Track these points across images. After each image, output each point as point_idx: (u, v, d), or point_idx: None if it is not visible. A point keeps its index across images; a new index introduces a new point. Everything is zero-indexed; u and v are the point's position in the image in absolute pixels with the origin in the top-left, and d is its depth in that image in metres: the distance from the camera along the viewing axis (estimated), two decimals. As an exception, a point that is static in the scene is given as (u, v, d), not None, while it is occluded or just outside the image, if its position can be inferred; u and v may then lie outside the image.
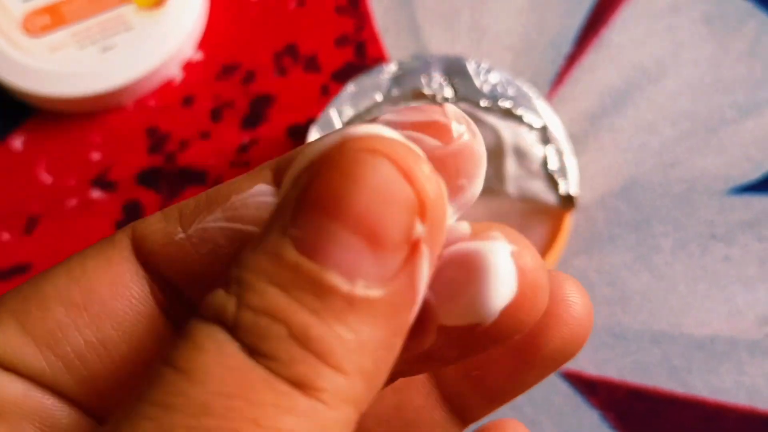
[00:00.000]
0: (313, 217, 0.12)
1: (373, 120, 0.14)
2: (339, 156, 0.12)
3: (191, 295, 0.15)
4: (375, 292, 0.12)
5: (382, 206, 0.11)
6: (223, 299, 0.12)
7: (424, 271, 0.12)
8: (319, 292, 0.11)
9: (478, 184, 0.13)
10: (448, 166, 0.13)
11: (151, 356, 0.15)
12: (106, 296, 0.14)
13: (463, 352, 0.14)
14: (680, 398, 0.30)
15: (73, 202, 0.34)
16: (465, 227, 0.13)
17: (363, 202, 0.11)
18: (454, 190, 0.13)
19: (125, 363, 0.14)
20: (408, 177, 0.11)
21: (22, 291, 0.15)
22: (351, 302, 0.11)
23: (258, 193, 0.14)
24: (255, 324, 0.12)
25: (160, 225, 0.15)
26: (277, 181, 0.14)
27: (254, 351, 0.11)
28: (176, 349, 0.12)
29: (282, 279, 0.12)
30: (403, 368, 0.13)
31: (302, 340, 0.11)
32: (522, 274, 0.13)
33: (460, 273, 0.13)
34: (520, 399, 0.30)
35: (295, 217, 0.12)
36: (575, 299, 0.15)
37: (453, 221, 0.13)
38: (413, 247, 0.12)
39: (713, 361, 0.31)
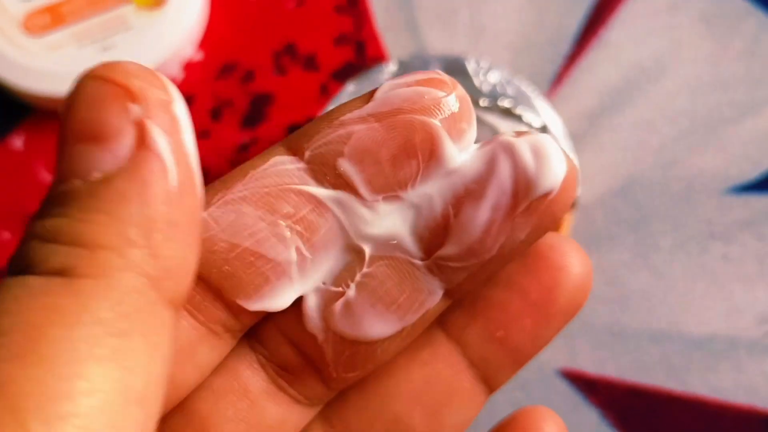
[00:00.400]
0: (59, 146, 0.13)
1: (377, 88, 0.15)
2: (71, 89, 0.13)
3: (212, 277, 0.15)
4: (111, 173, 0.13)
5: (93, 109, 0.13)
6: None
7: (159, 138, 0.13)
8: (62, 201, 0.13)
9: (473, 129, 0.15)
10: (452, 114, 0.15)
11: (165, 351, 0.15)
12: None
13: (532, 231, 0.15)
14: (679, 397, 0.30)
15: (73, 201, 0.34)
16: (511, 132, 0.15)
17: (78, 113, 0.13)
18: (458, 132, 0.15)
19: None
20: (110, 80, 0.13)
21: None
22: (93, 192, 0.13)
23: (276, 163, 0.15)
24: (23, 251, 0.13)
25: None
26: (291, 154, 0.15)
27: (25, 271, 0.12)
28: None
29: (40, 211, 0.13)
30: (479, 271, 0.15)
31: (53, 239, 0.12)
32: (566, 157, 0.15)
33: (534, 154, 0.15)
34: (520, 397, 0.31)
35: (59, 157, 0.14)
36: (577, 255, 0.17)
37: (461, 159, 0.15)
38: (139, 126, 0.13)
39: (712, 359, 0.31)
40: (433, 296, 0.16)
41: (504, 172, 0.15)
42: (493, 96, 0.32)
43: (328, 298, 0.16)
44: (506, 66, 0.35)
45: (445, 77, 0.15)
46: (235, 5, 0.37)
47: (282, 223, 0.15)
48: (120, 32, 0.35)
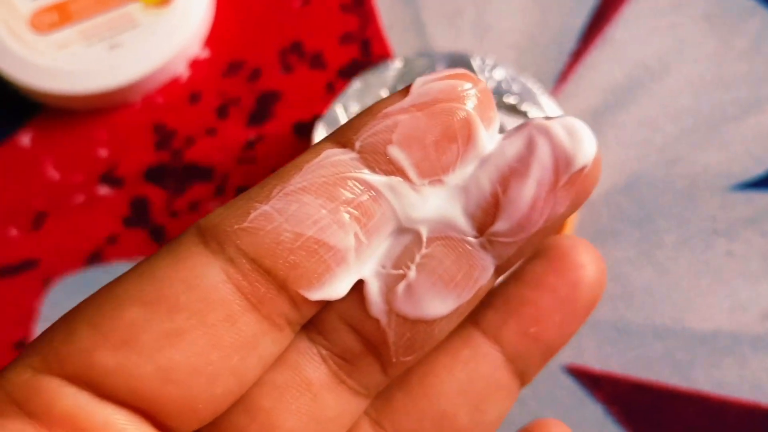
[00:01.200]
0: None
1: (409, 86, 0.16)
2: None
3: (278, 268, 0.15)
4: None
5: None
6: None
7: None
8: None
9: (498, 117, 0.17)
10: (483, 102, 0.16)
11: (227, 341, 0.15)
12: (179, 289, 0.15)
13: (570, 205, 0.17)
14: (683, 392, 0.31)
15: (80, 198, 0.34)
16: (541, 117, 0.17)
17: None
18: (488, 120, 0.16)
19: (202, 351, 0.15)
20: None
21: (96, 297, 0.15)
22: None
23: (330, 155, 0.16)
24: None
25: (229, 211, 0.15)
26: (340, 147, 0.16)
27: None
28: None
29: None
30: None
31: None
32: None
33: (569, 133, 0.16)
34: (525, 393, 0.31)
35: None
36: (592, 253, 0.18)
37: (492, 146, 0.17)
38: None
39: (716, 355, 0.31)
40: (487, 271, 0.17)
41: (544, 150, 0.16)
42: (499, 93, 0.32)
43: (389, 282, 0.17)
44: (511, 64, 0.35)
45: (471, 74, 0.16)
46: (241, 3, 0.37)
47: (342, 209, 0.16)
48: (127, 30, 0.35)
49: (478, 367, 0.18)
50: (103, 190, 0.34)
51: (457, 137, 0.16)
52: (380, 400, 0.18)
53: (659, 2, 0.36)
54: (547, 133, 0.16)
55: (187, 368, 0.15)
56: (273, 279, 0.15)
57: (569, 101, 0.35)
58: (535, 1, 0.37)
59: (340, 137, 0.16)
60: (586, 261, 0.18)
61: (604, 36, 0.36)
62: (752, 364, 0.31)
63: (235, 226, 0.15)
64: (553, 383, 0.31)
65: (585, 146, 0.16)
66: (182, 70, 0.36)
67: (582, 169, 0.16)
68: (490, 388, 0.18)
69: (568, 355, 0.31)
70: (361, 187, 0.16)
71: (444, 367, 0.18)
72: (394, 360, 0.17)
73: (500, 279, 0.19)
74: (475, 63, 0.32)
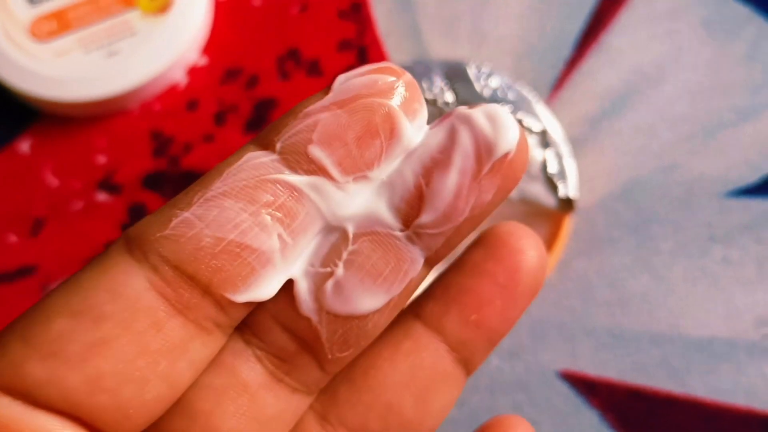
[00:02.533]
0: None
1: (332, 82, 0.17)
2: None
3: (201, 273, 0.15)
4: None
5: None
6: None
7: None
8: None
9: (425, 108, 0.17)
10: (405, 95, 0.16)
11: (155, 347, 0.15)
12: (104, 299, 0.15)
13: (497, 192, 0.17)
14: (679, 398, 0.31)
15: (78, 204, 0.34)
16: (464, 107, 0.17)
17: None
18: (413, 112, 0.16)
19: (130, 358, 0.15)
20: None
21: (28, 312, 0.16)
22: None
23: (250, 158, 0.16)
24: None
25: (154, 219, 0.16)
26: (263, 149, 0.16)
27: None
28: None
29: None
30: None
31: None
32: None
33: (490, 121, 0.17)
34: (521, 399, 0.31)
35: None
36: (531, 238, 0.19)
37: (419, 138, 0.17)
38: None
39: (712, 361, 0.31)
40: (416, 264, 0.17)
41: (465, 138, 0.16)
42: (494, 101, 0.32)
43: (318, 280, 0.17)
44: (508, 71, 0.35)
45: (394, 66, 0.16)
46: (239, 11, 0.37)
47: (263, 211, 0.16)
48: (126, 37, 0.35)
49: (420, 357, 0.18)
50: (102, 197, 0.35)
51: (379, 132, 0.16)
52: (325, 394, 0.19)
53: (656, 9, 0.36)
54: (468, 122, 0.16)
55: (115, 376, 0.15)
56: (197, 284, 0.15)
57: (566, 108, 0.35)
58: (532, 8, 0.37)
59: (263, 140, 0.16)
60: (525, 246, 0.18)
61: (600, 43, 0.36)
62: (748, 370, 0.31)
63: (157, 234, 0.15)
64: (548, 389, 0.31)
65: (507, 132, 0.16)
66: (180, 77, 0.36)
67: (506, 156, 0.16)
68: (434, 378, 0.18)
69: (563, 361, 0.31)
70: (283, 189, 0.16)
71: (386, 359, 0.18)
72: (329, 356, 0.17)
73: (436, 270, 0.19)
74: (471, 71, 0.33)
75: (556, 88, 0.35)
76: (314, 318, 0.17)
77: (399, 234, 0.17)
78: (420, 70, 0.33)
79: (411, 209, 0.17)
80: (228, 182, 0.16)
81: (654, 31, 0.36)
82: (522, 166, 0.17)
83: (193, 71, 0.36)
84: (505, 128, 0.16)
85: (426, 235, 0.17)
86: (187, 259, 0.15)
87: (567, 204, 0.32)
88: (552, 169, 0.32)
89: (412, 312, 0.19)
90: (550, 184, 0.32)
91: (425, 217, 0.17)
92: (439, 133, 0.17)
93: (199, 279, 0.15)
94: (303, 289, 0.17)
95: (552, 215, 0.32)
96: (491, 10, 0.37)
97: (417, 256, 0.17)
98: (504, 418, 0.19)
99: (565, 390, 0.31)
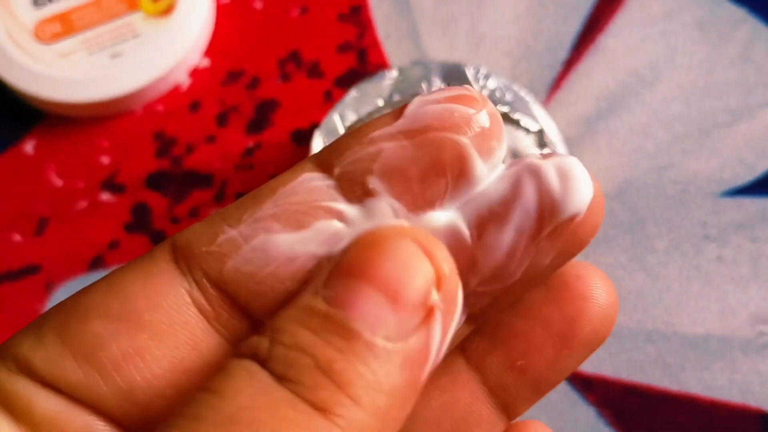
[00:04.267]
0: (344, 279, 0.13)
1: (406, 104, 0.15)
2: (370, 237, 0.14)
3: (241, 295, 0.15)
4: (392, 345, 0.13)
5: (405, 273, 0.13)
6: (257, 340, 0.13)
7: (437, 334, 0.13)
8: (345, 335, 0.13)
9: (504, 146, 0.15)
10: (482, 131, 0.15)
11: (189, 365, 0.15)
12: (143, 307, 0.14)
13: (558, 256, 0.15)
14: (674, 395, 0.31)
15: (82, 204, 0.35)
16: (537, 154, 0.15)
17: (388, 267, 0.13)
18: (488, 150, 0.15)
19: (163, 373, 0.15)
20: (428, 255, 0.13)
21: (65, 305, 0.15)
22: (371, 348, 0.13)
23: (306, 180, 0.15)
24: (285, 356, 0.13)
25: (203, 230, 0.15)
26: (320, 170, 0.15)
27: (282, 377, 0.13)
28: (211, 378, 0.13)
29: (312, 324, 0.13)
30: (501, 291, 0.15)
31: (326, 371, 0.13)
32: (593, 180, 0.15)
33: (560, 177, 0.15)
34: (518, 395, 0.31)
35: (327, 282, 0.13)
36: (603, 284, 0.16)
37: (491, 178, 0.15)
38: (429, 312, 0.13)
39: (706, 359, 0.31)
40: (459, 322, 0.16)
41: (529, 194, 0.15)
42: (492, 102, 0.32)
43: None
44: (505, 72, 0.36)
45: (476, 93, 0.15)
46: (241, 14, 0.38)
47: (311, 240, 0.15)
48: (129, 39, 0.35)
49: (456, 396, 0.17)
50: (105, 197, 0.35)
51: (446, 171, 0.15)
52: None
53: (651, 11, 0.37)
54: (536, 175, 0.15)
55: (147, 390, 0.14)
56: (237, 305, 0.15)
57: (562, 108, 0.35)
58: (529, 10, 0.37)
59: (323, 159, 0.15)
60: (593, 294, 0.16)
61: (596, 44, 0.36)
62: (742, 367, 0.31)
63: (203, 249, 0.15)
64: (545, 386, 0.31)
65: (578, 192, 0.14)
66: (183, 79, 0.36)
67: (572, 218, 0.15)
68: (467, 420, 0.17)
69: (560, 359, 0.31)
70: (335, 218, 0.15)
71: (420, 392, 0.17)
72: None
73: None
74: (469, 72, 0.33)
75: (552, 89, 0.36)
76: None
77: None
78: (418, 72, 0.33)
79: (457, 259, 0.15)
80: (280, 203, 0.15)
81: (649, 32, 0.36)
82: (592, 230, 0.15)
83: (196, 73, 0.37)
84: (576, 188, 0.14)
85: (471, 292, 0.15)
86: (230, 280, 0.15)
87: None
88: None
89: (458, 346, 0.17)
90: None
91: (471, 274, 0.15)
92: (504, 182, 0.15)
93: (238, 300, 0.15)
94: None
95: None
96: (489, 12, 0.37)
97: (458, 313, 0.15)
98: (525, 423, 0.18)
99: (561, 386, 0.31)
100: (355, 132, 0.15)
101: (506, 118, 0.32)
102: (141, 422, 0.15)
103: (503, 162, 0.15)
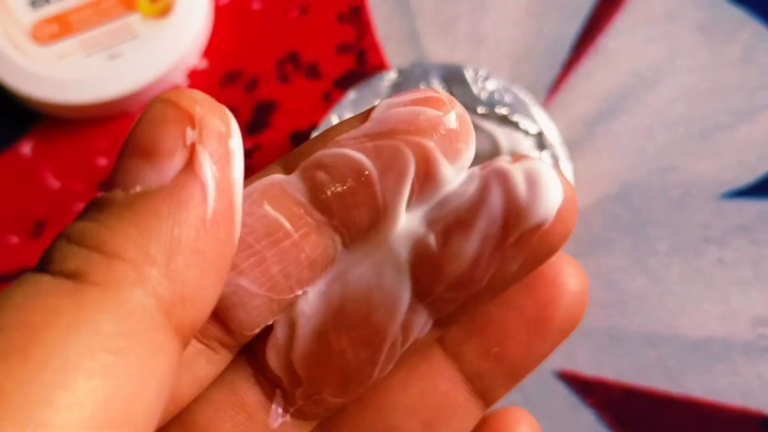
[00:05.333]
0: (118, 164, 0.14)
1: (373, 108, 0.15)
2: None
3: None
4: (152, 189, 0.13)
5: (153, 127, 0.13)
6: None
7: (206, 166, 0.13)
8: (99, 207, 0.13)
9: (472, 148, 0.15)
10: (449, 134, 0.14)
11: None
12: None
13: (526, 262, 0.15)
14: (675, 398, 0.31)
15: (80, 206, 0.35)
16: (508, 158, 0.15)
17: (139, 129, 0.13)
18: (455, 153, 0.15)
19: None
20: (174, 104, 0.13)
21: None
22: (129, 204, 0.13)
23: (273, 181, 0.15)
24: (50, 248, 0.13)
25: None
26: (287, 173, 0.15)
27: (43, 269, 0.13)
28: None
29: (80, 214, 0.13)
30: (469, 298, 0.15)
31: (77, 241, 0.12)
32: (564, 185, 0.15)
33: (528, 183, 0.14)
34: (517, 399, 0.31)
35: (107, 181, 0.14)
36: (573, 270, 0.16)
37: (458, 180, 0.15)
38: (191, 151, 0.13)
39: (708, 362, 0.31)
40: (421, 331, 0.16)
41: (495, 200, 0.14)
42: (491, 104, 0.32)
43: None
44: (506, 73, 0.36)
45: (443, 95, 0.15)
46: (239, 14, 0.38)
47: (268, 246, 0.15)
48: (127, 41, 0.35)
49: (433, 384, 0.17)
50: (103, 199, 0.35)
51: (407, 175, 0.14)
52: None
53: (652, 12, 0.37)
54: (503, 180, 0.14)
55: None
56: None
57: (563, 110, 0.35)
58: (529, 11, 0.37)
59: (290, 163, 0.15)
60: (565, 279, 0.16)
61: (597, 45, 0.36)
62: (743, 370, 0.31)
63: None
64: (545, 389, 0.31)
65: (546, 198, 0.14)
66: (181, 80, 0.36)
67: (539, 225, 0.14)
68: (445, 407, 0.17)
69: (560, 361, 0.31)
70: (303, 222, 0.15)
71: (398, 381, 0.17)
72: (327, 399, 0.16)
73: None
74: (468, 74, 0.33)
75: (553, 90, 0.35)
76: (283, 377, 0.16)
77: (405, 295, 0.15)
78: (418, 73, 0.33)
79: (422, 267, 0.15)
80: (245, 207, 0.15)
81: (650, 34, 0.36)
82: (562, 236, 0.15)
83: (194, 74, 0.37)
84: (543, 194, 0.14)
85: (437, 298, 0.15)
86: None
87: (564, 205, 0.32)
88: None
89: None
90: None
91: (436, 280, 0.15)
92: (471, 187, 0.15)
93: None
94: (279, 338, 0.16)
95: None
96: (489, 13, 0.37)
97: (421, 323, 0.16)
98: (506, 409, 0.18)
99: (561, 389, 0.31)
100: (321, 135, 0.15)
101: (505, 120, 0.32)
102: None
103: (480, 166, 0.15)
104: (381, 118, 0.15)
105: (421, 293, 0.15)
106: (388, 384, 0.17)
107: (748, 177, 0.34)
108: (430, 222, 0.15)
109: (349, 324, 0.16)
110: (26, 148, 0.36)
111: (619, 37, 0.36)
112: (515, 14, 0.37)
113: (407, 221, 0.15)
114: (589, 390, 0.31)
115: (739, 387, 0.31)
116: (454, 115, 0.15)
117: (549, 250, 0.15)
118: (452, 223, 0.15)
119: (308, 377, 0.16)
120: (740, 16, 0.36)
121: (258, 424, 0.17)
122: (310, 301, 0.16)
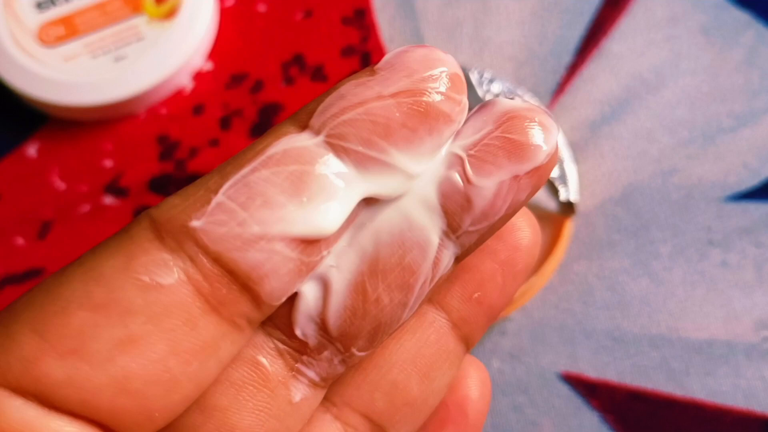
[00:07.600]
0: None
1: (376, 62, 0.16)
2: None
3: (237, 266, 0.14)
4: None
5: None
6: None
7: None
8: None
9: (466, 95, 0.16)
10: (454, 85, 0.16)
11: (186, 347, 0.14)
12: (133, 293, 0.14)
13: (531, 190, 0.17)
14: (678, 400, 0.31)
15: (85, 207, 0.35)
16: (505, 99, 0.17)
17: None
18: (458, 101, 0.16)
19: (159, 358, 0.14)
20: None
21: (37, 299, 0.14)
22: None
23: (293, 141, 0.15)
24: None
25: (183, 201, 0.14)
26: (301, 129, 0.15)
27: None
28: None
29: None
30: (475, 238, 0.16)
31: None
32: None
33: (538, 120, 0.16)
34: (522, 401, 0.31)
35: None
36: (527, 217, 0.18)
37: (462, 119, 0.16)
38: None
39: (711, 364, 0.31)
40: (448, 264, 0.17)
41: (516, 137, 0.16)
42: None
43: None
44: (509, 77, 0.36)
45: (441, 52, 0.16)
46: (244, 17, 0.38)
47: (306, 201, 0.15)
48: (132, 43, 0.35)
49: (426, 335, 0.18)
50: (108, 200, 0.35)
51: (430, 123, 0.15)
52: None
53: (655, 15, 0.37)
54: (519, 119, 0.16)
55: (144, 377, 0.14)
56: (235, 279, 0.14)
57: (567, 113, 0.35)
58: (533, 14, 0.37)
59: (303, 120, 0.15)
60: (523, 224, 0.18)
61: (600, 49, 0.36)
62: (746, 372, 0.31)
63: (194, 221, 0.14)
64: (549, 391, 0.31)
65: (551, 135, 0.16)
66: (186, 82, 0.36)
67: (549, 156, 0.16)
68: (438, 355, 0.18)
69: (564, 363, 0.31)
70: (329, 178, 0.15)
71: (392, 337, 0.18)
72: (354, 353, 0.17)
73: None
74: (473, 77, 0.33)
75: (557, 93, 0.36)
76: (310, 340, 0.16)
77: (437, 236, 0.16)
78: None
79: (451, 202, 0.16)
80: (272, 167, 0.14)
81: (653, 37, 0.36)
82: (552, 165, 0.16)
83: (199, 76, 0.37)
84: (549, 132, 0.16)
85: (464, 232, 0.16)
86: (226, 250, 0.14)
87: (568, 208, 0.32)
88: (553, 173, 0.32)
89: None
90: (551, 188, 0.32)
91: (466, 214, 0.16)
92: (486, 127, 0.16)
93: (238, 273, 0.14)
94: (307, 304, 0.16)
95: (553, 219, 0.33)
96: (493, 16, 0.37)
97: (450, 256, 0.16)
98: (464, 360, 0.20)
99: (565, 392, 0.31)
100: (331, 92, 0.15)
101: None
102: (134, 411, 0.14)
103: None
104: (392, 66, 0.15)
105: (451, 228, 0.16)
106: (385, 341, 0.18)
107: (752, 180, 0.34)
108: (451, 161, 0.16)
109: (385, 270, 0.16)
110: (32, 150, 0.36)
111: (622, 40, 0.36)
112: (519, 17, 0.37)
113: (428, 166, 0.16)
114: (594, 392, 0.31)
115: (742, 389, 0.31)
116: (455, 67, 0.16)
117: (545, 178, 0.16)
118: (474, 160, 0.16)
119: (341, 334, 0.16)
120: (743, 19, 0.36)
121: (280, 400, 0.16)
122: (342, 255, 0.16)
